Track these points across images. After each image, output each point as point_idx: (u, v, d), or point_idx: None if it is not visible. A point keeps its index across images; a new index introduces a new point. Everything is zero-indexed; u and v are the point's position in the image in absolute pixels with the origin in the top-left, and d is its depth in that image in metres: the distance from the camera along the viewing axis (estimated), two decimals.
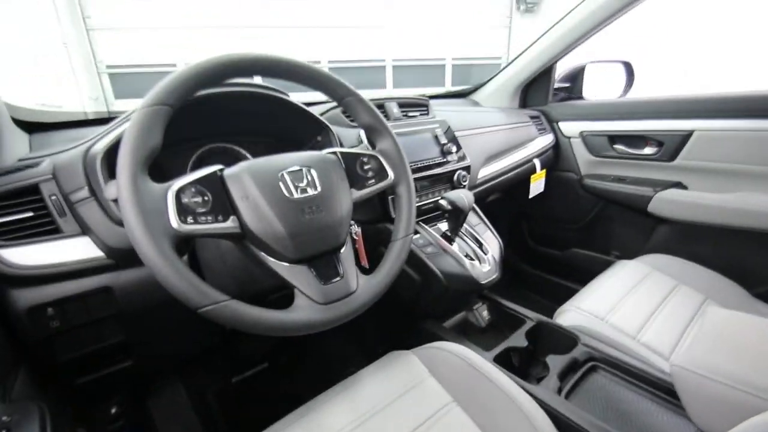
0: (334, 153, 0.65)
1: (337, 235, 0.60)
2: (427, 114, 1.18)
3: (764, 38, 3.65)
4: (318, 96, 1.02)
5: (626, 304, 1.00)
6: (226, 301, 0.48)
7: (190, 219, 0.48)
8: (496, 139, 1.34)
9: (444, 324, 1.02)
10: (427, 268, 0.93)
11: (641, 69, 1.57)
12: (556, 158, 1.60)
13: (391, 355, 0.78)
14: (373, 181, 0.67)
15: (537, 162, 1.47)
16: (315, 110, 0.87)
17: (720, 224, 1.19)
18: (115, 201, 0.61)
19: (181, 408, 1.14)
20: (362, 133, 0.94)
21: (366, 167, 0.67)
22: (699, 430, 0.66)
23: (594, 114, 1.50)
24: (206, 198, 0.51)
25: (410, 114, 1.14)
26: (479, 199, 1.05)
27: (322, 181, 0.59)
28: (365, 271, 0.63)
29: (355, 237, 0.83)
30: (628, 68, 1.57)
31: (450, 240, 0.99)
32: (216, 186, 0.53)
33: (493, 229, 1.11)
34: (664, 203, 1.30)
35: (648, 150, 1.37)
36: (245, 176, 0.54)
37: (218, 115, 0.81)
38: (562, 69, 1.61)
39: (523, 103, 1.67)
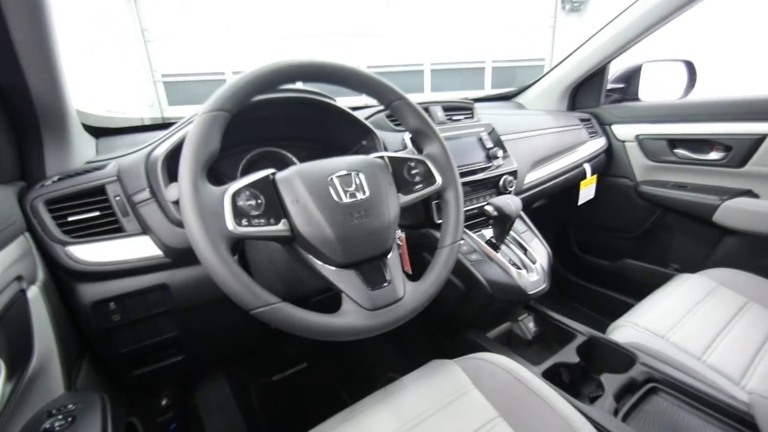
0: (382, 157, 0.65)
1: (385, 240, 0.59)
2: (472, 117, 1.16)
3: None
4: (358, 101, 1.03)
5: (690, 322, 0.92)
6: (277, 303, 0.48)
7: (244, 221, 0.49)
8: (543, 142, 1.29)
9: (487, 335, 0.99)
10: (471, 276, 0.90)
11: (705, 69, 1.46)
12: (608, 163, 1.52)
13: (433, 363, 0.76)
14: (420, 185, 0.66)
15: (587, 167, 1.39)
16: (359, 115, 0.88)
17: None
18: (175, 203, 0.64)
19: (224, 402, 1.19)
20: (406, 137, 0.93)
21: (413, 172, 0.66)
22: None
23: (652, 116, 1.41)
24: (259, 201, 0.52)
25: (455, 117, 1.12)
26: (525, 205, 1.01)
27: (370, 185, 0.59)
28: (408, 277, 0.62)
29: (399, 242, 0.83)
30: (690, 68, 1.46)
31: (496, 247, 0.95)
32: (268, 189, 0.53)
33: (540, 237, 1.07)
34: (733, 213, 1.19)
35: (714, 155, 1.26)
36: (296, 180, 0.55)
37: (266, 121, 0.83)
38: (615, 69, 1.53)
39: (572, 106, 1.60)
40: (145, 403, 0.96)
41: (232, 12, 4.55)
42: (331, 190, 0.56)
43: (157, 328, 0.73)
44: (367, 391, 0.72)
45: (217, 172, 0.81)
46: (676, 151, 1.34)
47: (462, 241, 0.95)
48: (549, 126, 1.35)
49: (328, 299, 0.86)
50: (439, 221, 0.88)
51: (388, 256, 0.60)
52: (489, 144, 1.05)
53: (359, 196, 0.57)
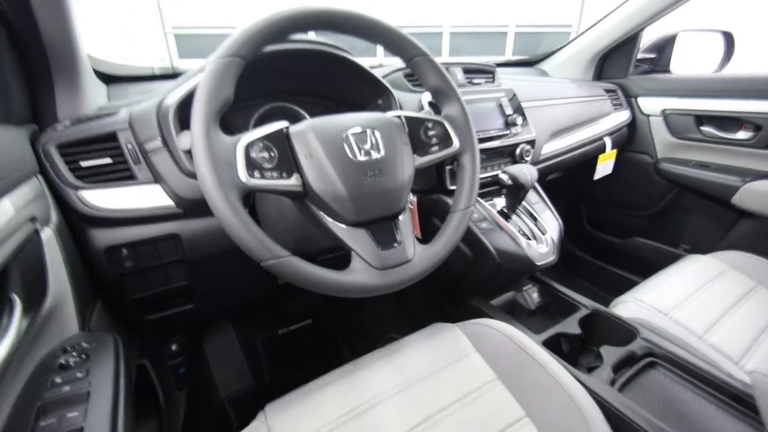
0: (399, 117, 0.63)
1: (398, 200, 0.58)
2: (493, 81, 1.11)
3: None
4: (373, 61, 0.98)
5: (695, 302, 0.92)
6: (287, 256, 0.48)
7: (256, 173, 0.49)
8: (564, 112, 1.24)
9: (491, 302, 1.00)
10: (480, 243, 0.90)
11: (745, 41, 1.37)
12: (630, 138, 1.47)
13: (435, 326, 0.78)
14: (436, 147, 0.64)
15: (608, 140, 1.35)
16: (376, 73, 0.84)
17: None
18: (187, 152, 0.63)
19: (232, 351, 1.24)
20: (424, 99, 0.90)
21: (430, 133, 0.64)
22: None
23: (682, 90, 1.34)
24: (272, 154, 0.51)
25: (475, 81, 1.07)
26: (540, 176, 0.99)
27: (385, 144, 0.57)
28: (417, 242, 0.61)
29: (410, 206, 0.82)
30: (728, 39, 1.37)
31: (507, 217, 0.94)
32: (282, 143, 0.52)
33: (553, 209, 1.05)
34: (754, 195, 1.16)
35: (742, 134, 1.21)
36: (310, 134, 0.53)
37: (279, 75, 0.80)
38: (647, 38, 1.44)
39: (599, 75, 1.52)
40: (155, 347, 1.00)
41: None
42: (346, 147, 0.54)
43: (168, 277, 0.74)
44: (369, 350, 0.74)
45: (229, 124, 0.80)
46: (702, 128, 1.29)
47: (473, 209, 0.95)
48: (572, 95, 1.30)
49: (335, 259, 0.87)
50: (452, 187, 0.87)
51: (400, 218, 0.59)
52: (509, 110, 1.01)
53: (374, 155, 0.56)
